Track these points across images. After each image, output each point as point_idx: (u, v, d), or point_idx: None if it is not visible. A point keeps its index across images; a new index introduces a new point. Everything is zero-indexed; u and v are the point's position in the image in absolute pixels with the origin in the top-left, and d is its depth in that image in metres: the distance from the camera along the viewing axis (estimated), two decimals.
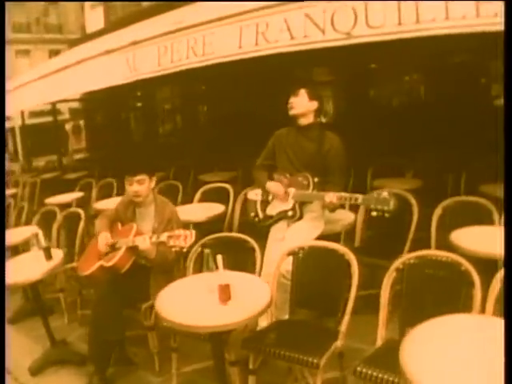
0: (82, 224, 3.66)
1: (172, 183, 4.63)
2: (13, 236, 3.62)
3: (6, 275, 2.75)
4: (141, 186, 2.85)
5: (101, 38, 5.12)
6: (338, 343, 2.23)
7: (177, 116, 9.17)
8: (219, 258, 2.07)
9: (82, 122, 10.86)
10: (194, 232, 2.45)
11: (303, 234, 2.84)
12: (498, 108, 5.51)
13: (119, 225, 2.97)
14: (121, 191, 5.11)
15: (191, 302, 2.12)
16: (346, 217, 3.23)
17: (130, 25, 5.60)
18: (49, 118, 8.57)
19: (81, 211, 3.78)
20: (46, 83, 5.04)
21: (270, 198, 3.04)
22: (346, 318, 2.27)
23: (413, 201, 3.20)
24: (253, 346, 2.30)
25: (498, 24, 2.50)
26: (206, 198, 4.28)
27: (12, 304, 3.80)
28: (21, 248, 3.72)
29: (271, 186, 3.00)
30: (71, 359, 3.01)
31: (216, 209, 3.86)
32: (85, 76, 4.53)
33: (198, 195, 4.30)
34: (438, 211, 3.13)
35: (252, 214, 3.08)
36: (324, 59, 4.72)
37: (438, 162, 4.41)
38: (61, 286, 3.51)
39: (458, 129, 4.76)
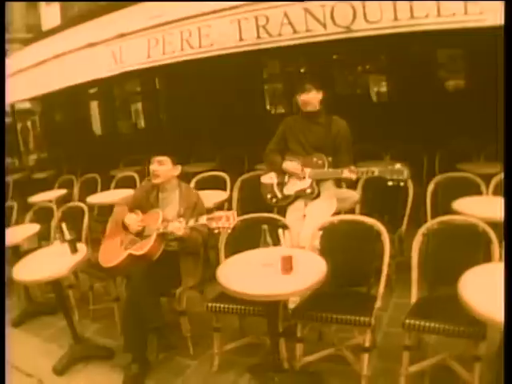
0: (86, 218, 3.58)
1: None
2: (11, 235, 3.45)
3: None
4: (160, 166, 2.89)
5: (83, 30, 4.92)
6: (379, 303, 2.46)
7: (140, 111, 9.02)
8: (280, 232, 2.21)
9: (29, 123, 10.29)
10: (235, 212, 2.51)
11: (323, 210, 3.05)
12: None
13: (139, 212, 2.96)
14: (104, 187, 5.02)
15: (254, 275, 2.22)
16: (353, 195, 3.50)
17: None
18: (7, 119, 8.09)
19: (83, 205, 3.68)
20: (23, 78, 4.77)
21: (286, 179, 3.22)
22: (383, 280, 2.49)
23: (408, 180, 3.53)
24: (303, 314, 2.47)
25: (482, 21, 2.93)
26: (199, 187, 4.34)
27: (15, 306, 3.65)
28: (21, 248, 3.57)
29: (288, 164, 3.18)
30: (97, 354, 2.96)
31: (219, 195, 3.96)
32: (67, 70, 4.37)
33: (192, 184, 4.34)
34: (430, 187, 3.51)
35: (269, 196, 3.25)
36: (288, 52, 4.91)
37: (413, 144, 4.83)
38: (69, 282, 3.42)
39: (427, 114, 5.24)
